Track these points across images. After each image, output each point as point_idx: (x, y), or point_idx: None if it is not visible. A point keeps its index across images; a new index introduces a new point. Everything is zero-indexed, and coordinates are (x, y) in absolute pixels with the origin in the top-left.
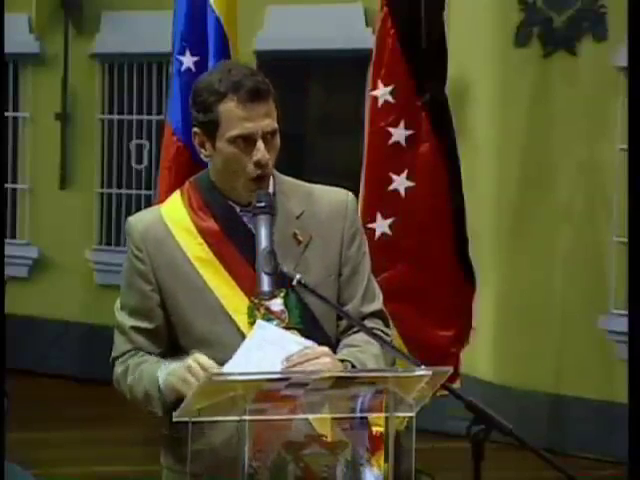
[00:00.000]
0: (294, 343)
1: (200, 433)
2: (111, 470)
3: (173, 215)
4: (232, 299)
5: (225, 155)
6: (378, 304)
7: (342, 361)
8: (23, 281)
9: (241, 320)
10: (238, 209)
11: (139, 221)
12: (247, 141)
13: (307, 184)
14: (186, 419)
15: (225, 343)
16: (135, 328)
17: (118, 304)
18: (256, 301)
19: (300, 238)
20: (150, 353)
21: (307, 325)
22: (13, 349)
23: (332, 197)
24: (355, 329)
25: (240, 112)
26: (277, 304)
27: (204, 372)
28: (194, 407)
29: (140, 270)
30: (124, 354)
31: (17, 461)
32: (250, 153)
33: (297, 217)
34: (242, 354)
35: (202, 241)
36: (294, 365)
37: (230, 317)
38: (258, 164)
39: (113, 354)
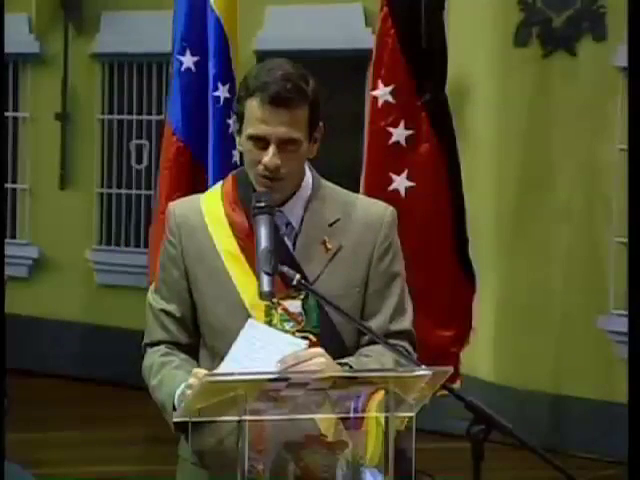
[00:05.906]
0: (287, 343)
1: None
2: (111, 470)
3: (210, 205)
4: (252, 295)
5: (244, 148)
6: (406, 324)
7: (340, 364)
8: (23, 281)
9: (258, 317)
10: None
11: (178, 207)
12: (261, 142)
13: (350, 193)
14: (186, 419)
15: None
16: (164, 311)
17: (153, 287)
18: (275, 300)
19: (329, 246)
20: (179, 343)
21: (323, 331)
22: (13, 349)
23: (370, 209)
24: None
25: (259, 113)
26: (295, 306)
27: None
28: (194, 407)
29: (171, 255)
30: (153, 345)
31: (17, 461)
32: (262, 153)
33: (330, 224)
34: (234, 355)
35: (232, 235)
36: (288, 367)
37: (248, 312)
38: (265, 167)
39: (145, 339)
